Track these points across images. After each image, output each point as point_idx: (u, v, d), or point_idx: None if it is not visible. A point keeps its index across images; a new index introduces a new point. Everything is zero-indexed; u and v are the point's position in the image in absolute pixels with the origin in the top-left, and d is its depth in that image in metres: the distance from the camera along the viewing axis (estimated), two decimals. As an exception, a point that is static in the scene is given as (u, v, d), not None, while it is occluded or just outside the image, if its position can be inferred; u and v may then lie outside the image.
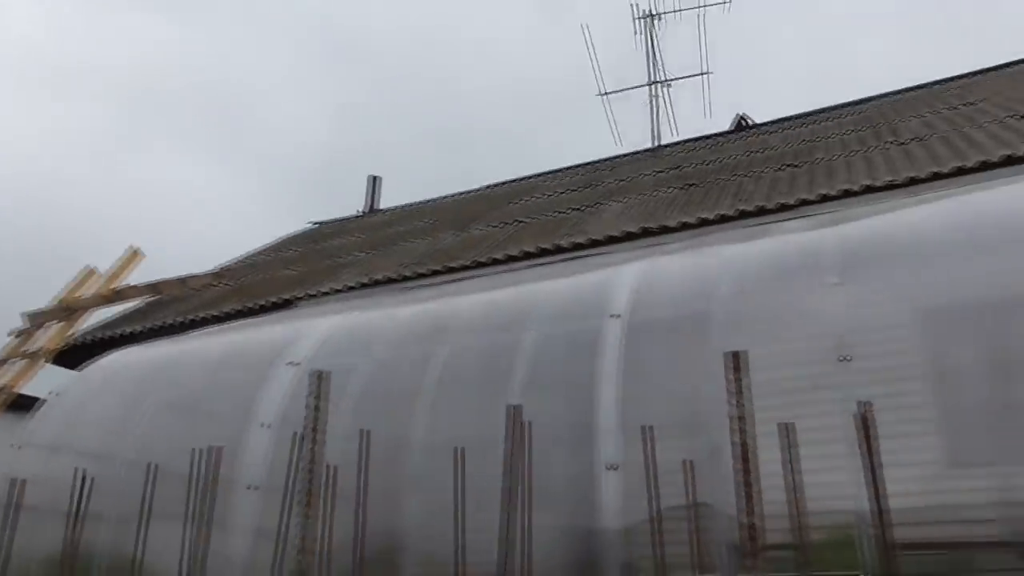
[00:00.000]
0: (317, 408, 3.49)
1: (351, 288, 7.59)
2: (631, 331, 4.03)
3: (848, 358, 3.46)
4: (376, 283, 7.53)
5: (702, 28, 12.28)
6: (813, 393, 3.45)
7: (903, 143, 6.86)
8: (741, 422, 2.58)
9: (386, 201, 13.75)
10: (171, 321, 8.21)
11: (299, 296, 7.80)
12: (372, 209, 13.61)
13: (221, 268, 10.85)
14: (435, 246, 8.55)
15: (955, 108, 7.89)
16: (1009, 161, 5.37)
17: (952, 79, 10.05)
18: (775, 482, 3.34)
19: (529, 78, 40.16)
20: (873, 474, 3.02)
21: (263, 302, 7.89)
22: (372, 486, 3.81)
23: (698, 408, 3.61)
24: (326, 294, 7.72)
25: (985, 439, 3.32)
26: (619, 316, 4.14)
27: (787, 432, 2.73)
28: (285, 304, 7.75)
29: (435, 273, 7.30)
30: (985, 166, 5.43)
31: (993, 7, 33.40)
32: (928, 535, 3.07)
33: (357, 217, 13.31)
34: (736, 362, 2.90)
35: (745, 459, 2.40)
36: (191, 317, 8.11)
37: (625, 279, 4.46)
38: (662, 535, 3.43)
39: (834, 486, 3.21)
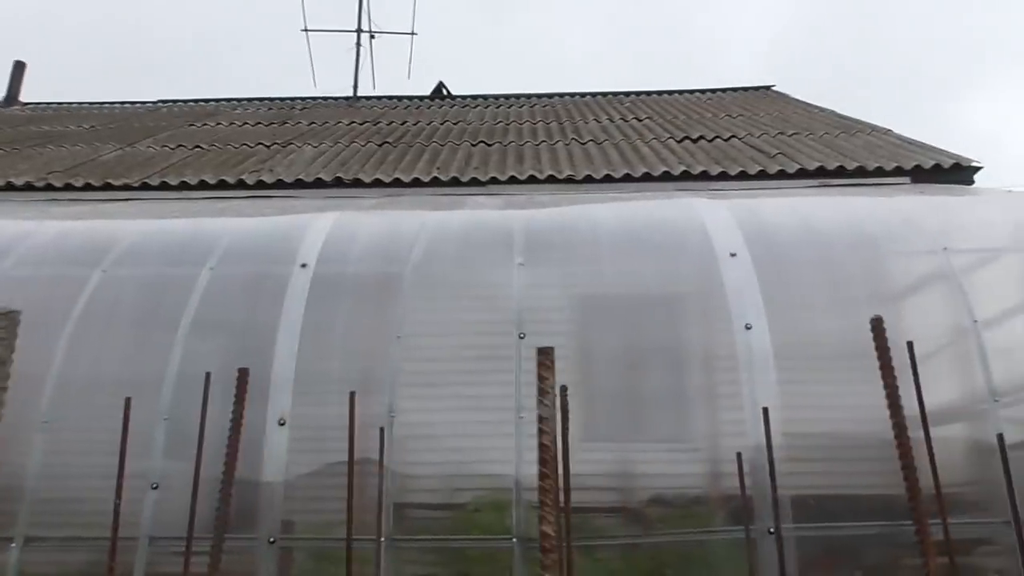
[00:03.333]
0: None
1: (-26, 189, 6.34)
2: (318, 283, 3.89)
3: (523, 335, 3.68)
4: (11, 187, 6.39)
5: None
6: (492, 363, 3.62)
7: (583, 143, 7.49)
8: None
9: (31, 95, 11.79)
10: None
11: (-101, 187, 6.34)
12: (12, 100, 11.57)
13: None
14: (92, 157, 7.49)
15: (627, 121, 8.81)
16: (666, 177, 6.12)
17: (627, 93, 11.24)
18: (447, 444, 3.50)
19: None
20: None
21: None
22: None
23: (379, 369, 3.60)
24: (-61, 190, 6.37)
25: (611, 419, 3.75)
26: (307, 266, 3.97)
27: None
28: None
29: (90, 188, 6.39)
30: (647, 177, 6.14)
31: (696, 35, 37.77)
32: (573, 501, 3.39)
33: (-10, 105, 11.22)
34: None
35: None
36: None
37: (317, 228, 4.28)
38: (326, 491, 3.42)
39: (499, 451, 3.44)
